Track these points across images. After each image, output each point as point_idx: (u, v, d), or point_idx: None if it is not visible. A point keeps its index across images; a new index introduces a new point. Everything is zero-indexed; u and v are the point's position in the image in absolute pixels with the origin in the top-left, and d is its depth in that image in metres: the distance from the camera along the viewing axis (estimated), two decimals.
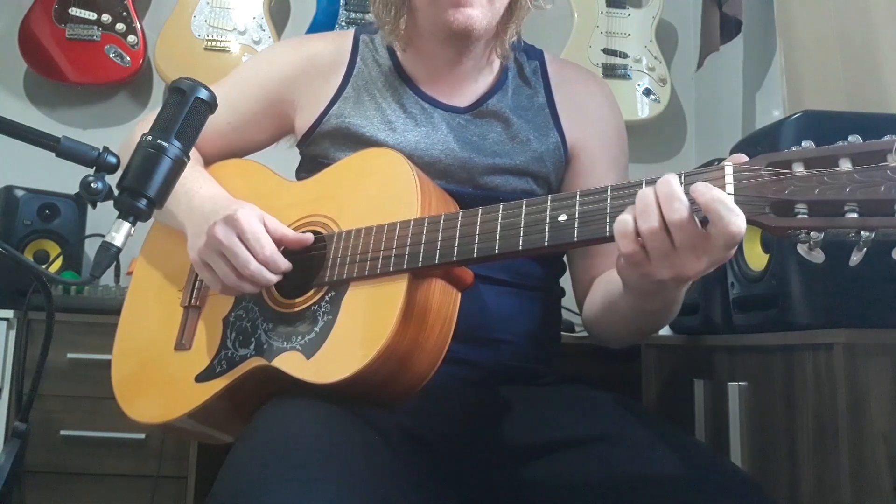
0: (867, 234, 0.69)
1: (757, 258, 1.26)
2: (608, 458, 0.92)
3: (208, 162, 1.22)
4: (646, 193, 0.77)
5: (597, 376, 1.12)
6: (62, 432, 1.87)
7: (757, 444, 1.22)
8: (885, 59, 1.71)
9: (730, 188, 0.74)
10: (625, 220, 0.78)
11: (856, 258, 0.71)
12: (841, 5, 1.82)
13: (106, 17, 2.41)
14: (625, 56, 2.57)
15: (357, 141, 1.11)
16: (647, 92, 2.56)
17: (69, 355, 1.89)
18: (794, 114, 1.19)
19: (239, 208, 1.00)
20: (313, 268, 1.00)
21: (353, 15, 2.45)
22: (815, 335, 1.11)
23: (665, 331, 1.67)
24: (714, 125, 2.65)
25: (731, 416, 1.25)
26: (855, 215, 0.69)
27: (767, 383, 1.20)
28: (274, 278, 0.98)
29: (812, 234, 0.71)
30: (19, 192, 2.06)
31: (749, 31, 2.38)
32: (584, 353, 1.14)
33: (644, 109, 2.56)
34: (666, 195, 0.76)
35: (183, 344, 1.08)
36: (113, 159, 0.85)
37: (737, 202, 0.73)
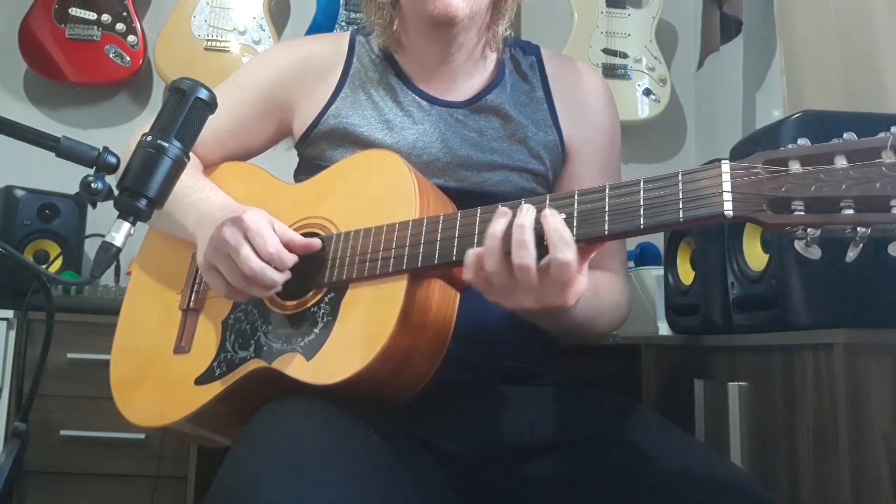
0: (863, 230, 0.69)
1: (757, 258, 1.26)
2: (608, 458, 0.92)
3: (208, 168, 1.22)
4: (495, 234, 0.82)
5: (597, 376, 1.11)
6: (62, 432, 1.87)
7: (757, 444, 1.22)
8: (885, 59, 1.71)
9: (727, 186, 0.74)
10: (475, 253, 0.84)
11: (852, 254, 0.71)
12: (841, 5, 1.82)
13: (106, 17, 2.41)
14: (625, 56, 2.57)
15: (355, 141, 1.11)
16: (647, 92, 2.56)
17: (69, 355, 1.89)
18: (794, 114, 1.19)
19: (248, 210, 1.00)
20: (312, 270, 1.00)
21: (353, 15, 2.45)
22: (815, 335, 1.11)
23: (665, 331, 1.68)
24: (714, 125, 2.65)
25: (731, 416, 1.25)
26: (851, 211, 0.69)
27: (767, 383, 1.20)
28: (279, 277, 0.96)
29: (809, 230, 0.72)
30: (19, 192, 2.06)
31: (749, 31, 2.38)
32: (584, 353, 1.14)
33: (644, 109, 2.56)
34: (517, 242, 0.81)
35: (182, 347, 1.08)
36: (113, 159, 0.84)
37: (734, 200, 0.74)
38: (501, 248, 0.82)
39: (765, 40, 2.36)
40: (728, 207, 0.74)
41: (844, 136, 0.71)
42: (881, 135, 0.70)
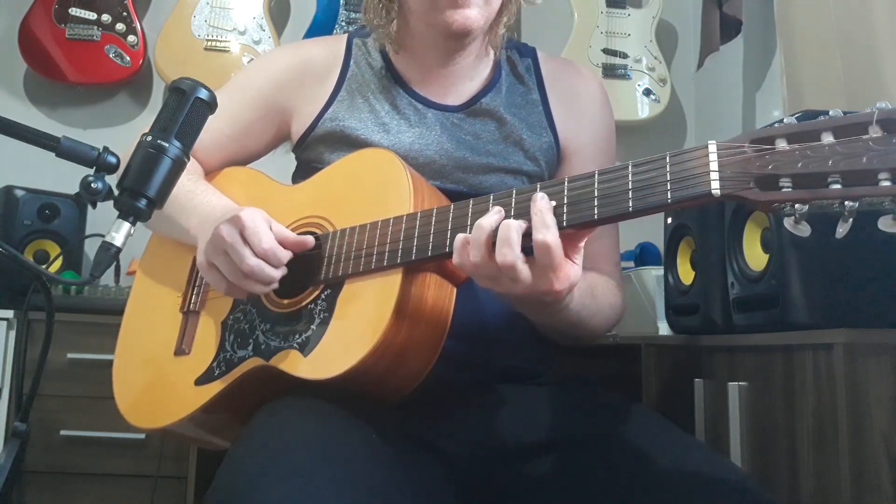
0: (851, 204, 0.69)
1: (757, 258, 1.27)
2: (608, 458, 0.92)
3: (209, 173, 1.22)
4: (483, 226, 0.83)
5: (597, 376, 1.11)
6: (62, 432, 1.87)
7: (757, 444, 1.22)
8: (885, 59, 1.71)
9: (714, 165, 0.75)
10: (463, 237, 0.84)
11: (842, 230, 0.71)
12: (841, 5, 1.82)
13: (106, 17, 2.41)
14: (625, 56, 2.57)
15: (352, 144, 1.11)
16: (647, 92, 2.56)
17: (69, 355, 1.89)
18: (794, 114, 1.19)
19: (245, 208, 1.00)
20: (309, 267, 1.00)
21: (353, 15, 2.45)
22: (815, 335, 1.11)
23: (665, 331, 1.67)
24: (714, 125, 2.65)
25: (731, 416, 1.25)
26: (838, 186, 0.69)
27: (767, 383, 1.20)
28: (276, 273, 0.97)
29: (797, 206, 0.72)
30: (19, 192, 2.06)
31: (749, 31, 2.38)
32: (584, 353, 1.14)
33: (644, 109, 2.56)
34: (502, 239, 0.82)
35: (183, 349, 1.09)
36: (113, 159, 0.85)
37: (721, 178, 0.74)
38: (487, 241, 0.83)
39: (765, 40, 2.36)
40: (715, 186, 0.74)
41: (831, 112, 0.72)
42: (867, 110, 0.70)
